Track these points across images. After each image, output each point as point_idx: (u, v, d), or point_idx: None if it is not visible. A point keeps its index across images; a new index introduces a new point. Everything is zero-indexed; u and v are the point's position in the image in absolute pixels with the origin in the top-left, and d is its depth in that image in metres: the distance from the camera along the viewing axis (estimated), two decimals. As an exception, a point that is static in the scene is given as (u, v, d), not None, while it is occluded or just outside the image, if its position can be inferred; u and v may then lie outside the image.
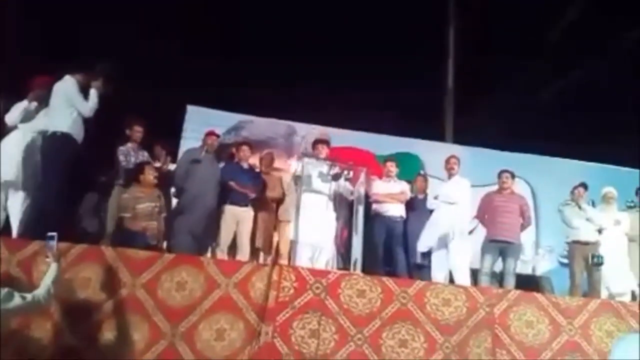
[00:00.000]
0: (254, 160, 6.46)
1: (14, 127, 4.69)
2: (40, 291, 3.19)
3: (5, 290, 2.98)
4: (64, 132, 4.54)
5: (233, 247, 5.75)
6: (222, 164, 6.04)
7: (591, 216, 6.10)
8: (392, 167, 6.28)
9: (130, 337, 3.81)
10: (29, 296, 3.09)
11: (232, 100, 8.43)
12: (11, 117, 4.67)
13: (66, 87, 4.64)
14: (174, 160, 6.24)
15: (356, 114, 8.67)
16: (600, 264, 5.82)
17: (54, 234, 3.43)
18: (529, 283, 6.21)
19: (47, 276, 3.31)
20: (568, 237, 6.26)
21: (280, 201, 6.22)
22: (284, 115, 8.56)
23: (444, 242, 5.69)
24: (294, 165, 5.55)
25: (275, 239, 6.19)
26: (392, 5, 9.56)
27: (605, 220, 6.14)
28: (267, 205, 6.10)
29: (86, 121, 4.70)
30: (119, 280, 3.92)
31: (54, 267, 3.37)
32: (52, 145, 4.51)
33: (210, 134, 5.90)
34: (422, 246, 5.82)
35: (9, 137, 4.66)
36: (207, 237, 5.55)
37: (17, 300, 3.01)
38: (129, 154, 5.53)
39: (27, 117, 4.69)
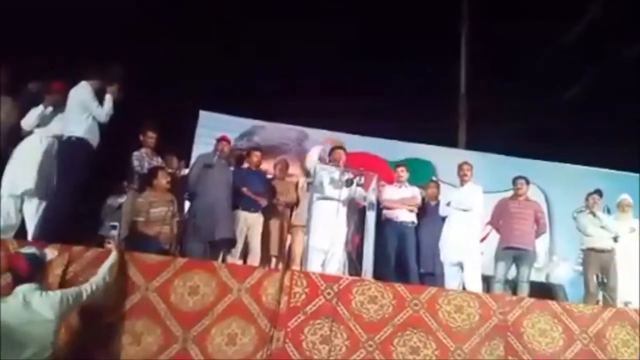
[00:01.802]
0: (267, 165, 6.48)
1: (30, 132, 4.76)
2: (97, 279, 3.54)
3: (75, 289, 3.36)
4: (79, 137, 4.59)
5: (244, 252, 5.78)
6: (231, 168, 6.07)
7: (606, 224, 6.04)
8: (402, 172, 6.28)
9: (143, 341, 3.83)
10: (87, 287, 3.44)
11: (244, 105, 8.48)
12: (27, 121, 4.73)
13: (81, 92, 4.70)
14: (187, 166, 6.28)
15: (368, 119, 8.68)
16: None
17: (116, 223, 3.61)
18: (542, 291, 6.14)
19: (104, 264, 3.65)
20: (583, 245, 6.21)
21: (294, 206, 6.24)
22: (296, 120, 8.59)
23: (458, 250, 5.64)
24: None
25: (288, 243, 6.20)
26: (404, 10, 9.56)
27: (621, 228, 6.08)
28: (279, 210, 6.12)
29: (101, 126, 4.76)
30: (132, 284, 3.94)
31: (112, 255, 3.71)
32: (67, 150, 4.57)
33: (222, 139, 5.93)
34: (451, 258, 5.72)
35: (25, 142, 4.73)
36: (219, 241, 5.56)
37: (84, 295, 3.41)
38: (143, 159, 5.57)
39: (43, 122, 4.74)
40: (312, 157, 5.71)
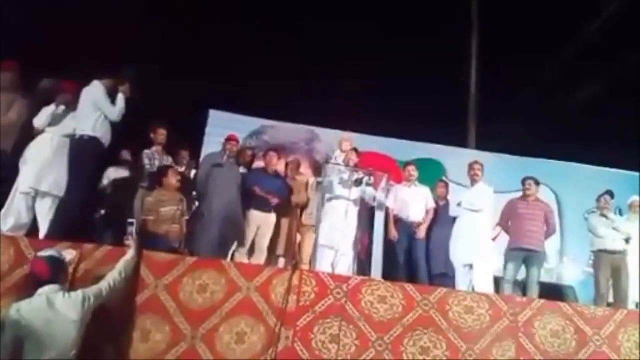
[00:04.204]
0: (280, 166, 6.48)
1: (42, 131, 4.79)
2: (114, 275, 3.62)
3: (95, 287, 3.47)
4: (91, 136, 4.62)
5: (252, 251, 5.79)
6: (242, 169, 6.06)
7: (618, 225, 5.97)
8: (412, 171, 6.25)
9: (152, 338, 3.85)
10: (105, 284, 3.53)
11: (254, 104, 8.49)
12: (39, 120, 4.76)
13: (94, 92, 4.72)
14: (197, 165, 6.29)
15: (379, 119, 8.66)
16: None
17: (133, 220, 3.95)
18: (552, 292, 6.09)
19: (121, 261, 3.72)
20: (594, 246, 6.14)
21: (305, 206, 6.24)
22: (306, 120, 8.59)
23: (469, 251, 5.61)
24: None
25: (298, 243, 6.20)
26: (414, 10, 9.53)
27: (633, 229, 6.01)
28: (292, 210, 6.12)
29: (112, 125, 4.79)
30: (142, 282, 3.96)
31: (130, 252, 3.80)
32: (79, 149, 4.60)
33: (230, 139, 5.90)
34: (462, 259, 5.70)
35: (37, 141, 4.75)
36: (228, 240, 5.57)
37: (104, 292, 3.50)
38: (153, 157, 5.60)
39: (55, 121, 4.77)
40: None
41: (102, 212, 5.34)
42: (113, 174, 5.51)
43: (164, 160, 5.64)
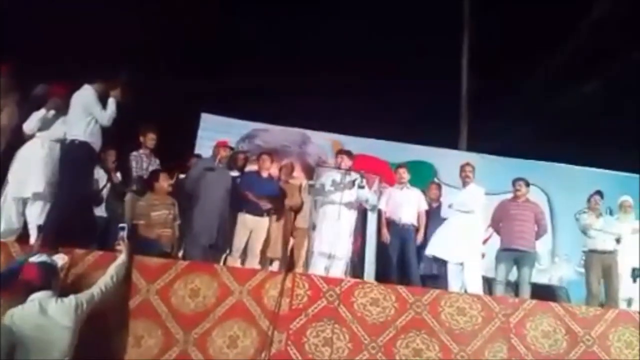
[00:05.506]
0: (274, 169, 6.48)
1: (32, 136, 4.75)
2: (105, 279, 3.60)
3: (87, 292, 3.45)
4: (82, 141, 4.58)
5: (244, 255, 5.77)
6: (234, 173, 6.05)
7: (608, 226, 6.01)
8: (404, 173, 6.27)
9: (144, 343, 3.84)
10: (97, 289, 3.51)
11: (246, 108, 8.49)
12: (29, 125, 4.71)
13: (84, 96, 4.68)
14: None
15: (370, 121, 8.69)
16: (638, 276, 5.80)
17: (124, 225, 3.94)
18: (544, 292, 6.12)
19: (112, 265, 3.71)
20: (585, 246, 6.18)
21: (298, 209, 6.24)
22: (298, 123, 8.61)
23: (459, 251, 5.63)
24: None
25: (291, 246, 6.20)
26: (406, 11, 9.58)
27: (623, 229, 6.05)
28: (286, 214, 6.12)
29: (102, 128, 4.76)
30: (133, 286, 3.94)
31: (121, 257, 3.77)
32: (70, 153, 4.56)
33: (220, 144, 5.86)
34: (430, 250, 5.76)
35: (27, 146, 4.71)
36: (219, 244, 5.55)
37: (96, 297, 3.48)
38: (141, 160, 5.57)
39: (45, 125, 4.71)
40: None
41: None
42: None
43: (152, 162, 5.62)
